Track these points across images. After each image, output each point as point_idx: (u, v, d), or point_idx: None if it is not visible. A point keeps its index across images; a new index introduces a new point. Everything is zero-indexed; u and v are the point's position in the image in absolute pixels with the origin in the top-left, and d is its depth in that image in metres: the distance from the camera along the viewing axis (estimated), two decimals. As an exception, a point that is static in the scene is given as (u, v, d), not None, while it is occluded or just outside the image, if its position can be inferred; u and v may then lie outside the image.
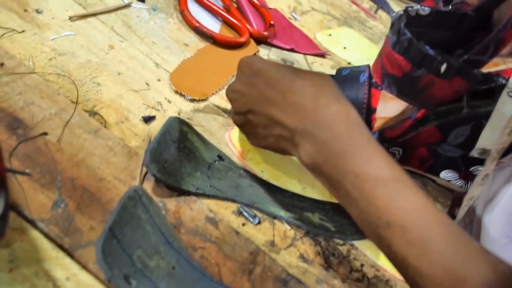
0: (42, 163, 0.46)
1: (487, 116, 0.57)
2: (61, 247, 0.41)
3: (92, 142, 0.50)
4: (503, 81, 0.52)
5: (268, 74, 0.49)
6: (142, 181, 0.49)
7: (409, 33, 0.52)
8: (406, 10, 0.56)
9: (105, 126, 0.52)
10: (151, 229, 0.45)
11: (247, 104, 0.51)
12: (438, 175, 0.68)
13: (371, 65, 0.62)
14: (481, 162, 0.61)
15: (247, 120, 0.52)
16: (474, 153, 0.60)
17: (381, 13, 1.01)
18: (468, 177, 0.67)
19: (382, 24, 0.98)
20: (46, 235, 0.42)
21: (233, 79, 0.65)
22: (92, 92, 0.54)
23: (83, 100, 0.53)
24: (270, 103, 0.48)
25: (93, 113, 0.52)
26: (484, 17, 0.57)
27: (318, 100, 0.46)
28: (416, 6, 0.56)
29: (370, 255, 0.54)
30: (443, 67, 0.51)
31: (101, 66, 0.58)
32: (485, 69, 0.55)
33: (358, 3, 0.98)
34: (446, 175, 0.68)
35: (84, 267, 0.41)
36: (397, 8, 1.05)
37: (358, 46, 0.86)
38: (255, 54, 0.71)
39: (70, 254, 0.41)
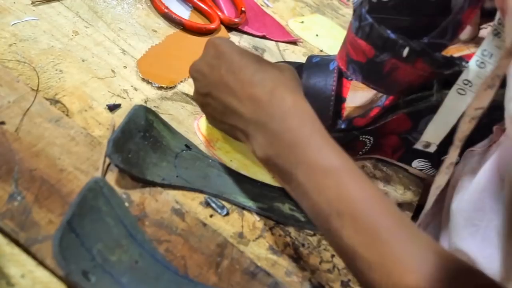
0: (-2, 154, 0.44)
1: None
2: (16, 242, 0.40)
3: (53, 131, 0.48)
4: (466, 65, 0.52)
5: (231, 59, 0.48)
6: (105, 172, 0.47)
7: (370, 18, 0.51)
8: None
9: (67, 115, 0.50)
10: (113, 222, 0.43)
11: (207, 86, 0.50)
12: (410, 164, 0.68)
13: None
14: (443, 149, 0.61)
15: (206, 102, 0.51)
16: (418, 145, 0.60)
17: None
18: (440, 165, 0.67)
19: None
20: (1, 230, 0.40)
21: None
22: (54, 80, 0.52)
23: (44, 87, 0.51)
24: (228, 91, 0.48)
25: (54, 101, 0.50)
26: (444, 2, 0.56)
27: (274, 93, 0.46)
28: None
29: (341, 246, 0.53)
30: (406, 51, 0.50)
31: (65, 53, 0.55)
32: (448, 54, 0.55)
33: (333, -10, 0.97)
34: (418, 164, 0.68)
35: (41, 263, 0.39)
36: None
37: (330, 34, 0.85)
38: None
39: (26, 249, 0.40)
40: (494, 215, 0.51)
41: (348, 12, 0.94)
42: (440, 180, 0.57)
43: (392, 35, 0.51)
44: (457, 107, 0.53)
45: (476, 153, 0.60)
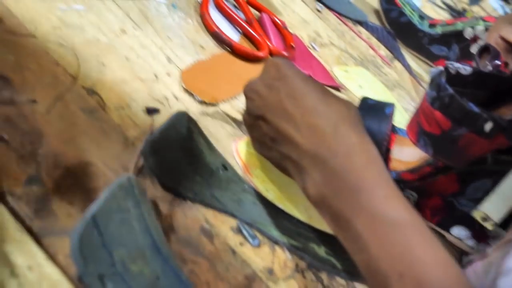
0: (24, 132, 0.39)
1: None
2: (29, 230, 0.34)
3: (86, 122, 0.43)
4: None
5: (294, 84, 0.44)
6: (136, 175, 0.42)
7: (450, 88, 0.48)
8: (446, 68, 0.53)
9: (103, 109, 0.46)
10: (139, 228, 0.38)
11: (261, 108, 0.45)
12: (448, 230, 0.63)
13: (406, 123, 0.58)
14: (504, 225, 0.56)
15: (256, 124, 0.46)
16: (476, 216, 0.55)
17: (397, 63, 0.98)
18: (481, 237, 0.62)
19: (396, 73, 0.94)
20: (13, 212, 0.34)
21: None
22: (95, 71, 0.48)
23: (83, 76, 0.47)
24: (286, 116, 0.43)
25: (92, 92, 0.46)
26: None
27: (338, 128, 0.41)
28: (457, 65, 0.53)
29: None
30: (488, 126, 0.47)
31: (109, 48, 0.52)
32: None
33: (376, 49, 0.95)
34: (458, 231, 0.63)
35: (52, 257, 0.34)
36: (412, 62, 1.02)
37: (373, 88, 0.82)
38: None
39: (38, 240, 0.34)
40: None
41: (390, 72, 0.92)
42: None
43: (475, 108, 0.48)
44: None
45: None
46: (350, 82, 0.79)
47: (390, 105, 0.57)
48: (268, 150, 0.46)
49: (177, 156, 0.45)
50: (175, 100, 0.52)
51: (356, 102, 0.75)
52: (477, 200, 0.56)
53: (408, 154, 0.63)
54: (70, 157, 0.40)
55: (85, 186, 0.39)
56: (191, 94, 0.54)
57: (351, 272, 0.47)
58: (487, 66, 0.54)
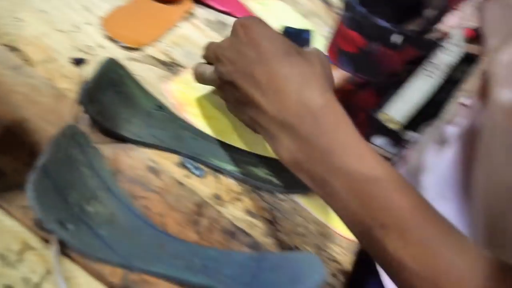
0: (-45, 95, 0.39)
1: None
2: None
3: (13, 79, 0.43)
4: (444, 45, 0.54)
5: (260, 48, 0.43)
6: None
7: (362, 8, 0.52)
8: None
9: (28, 65, 0.45)
10: (89, 172, 0.39)
11: (232, 73, 0.45)
12: (371, 141, 0.68)
13: (325, 46, 0.62)
14: (413, 128, 0.61)
15: (228, 89, 0.46)
16: (381, 118, 0.60)
17: (309, -8, 1.00)
18: (399, 143, 0.68)
19: (310, 1, 0.97)
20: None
21: (168, 34, 0.61)
22: (12, 27, 0.48)
23: (1, 34, 0.46)
24: (254, 82, 0.43)
25: (13, 49, 0.46)
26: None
27: (303, 92, 0.41)
28: None
29: (313, 211, 0.52)
30: (398, 38, 0.52)
31: (22, 1, 0.51)
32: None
33: (287, -21, 0.97)
34: (379, 141, 0.68)
35: (7, 211, 0.35)
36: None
37: (289, 18, 0.84)
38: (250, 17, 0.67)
39: (-9, 196, 0.35)
40: (464, 189, 0.52)
41: (305, 3, 0.94)
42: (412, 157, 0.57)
43: (386, 24, 0.52)
44: (424, 87, 0.54)
45: (434, 129, 0.61)
46: (267, 14, 0.81)
47: (308, 31, 0.60)
48: (240, 114, 0.47)
49: (113, 102, 0.46)
50: (100, 48, 0.52)
51: (275, 32, 0.77)
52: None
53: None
54: (5, 116, 0.40)
55: (26, 141, 0.40)
56: (114, 41, 0.54)
57: (289, 186, 0.51)
58: None
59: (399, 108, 0.58)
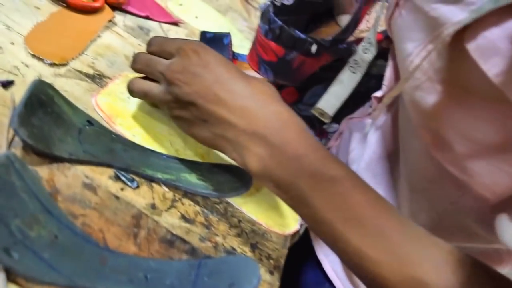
0: None
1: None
2: None
3: None
4: (356, 48, 0.59)
5: (217, 70, 0.48)
6: (8, 149, 0.45)
7: (279, 20, 0.56)
8: (272, 2, 0.61)
9: (-45, 91, 0.46)
10: (28, 197, 0.41)
11: (190, 94, 0.48)
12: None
13: (246, 54, 0.66)
14: (334, 119, 0.67)
15: (186, 109, 0.49)
16: (315, 112, 0.65)
17: (226, -13, 1.03)
18: (323, 134, 0.73)
19: (228, -3, 1.00)
20: None
21: (91, 45, 0.62)
22: None
23: None
24: (218, 101, 0.47)
25: None
26: (328, 3, 0.66)
27: (267, 106, 0.47)
28: None
29: (246, 211, 0.56)
30: (314, 48, 0.56)
31: None
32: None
33: (204, -24, 0.99)
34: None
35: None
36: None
37: (208, 16, 0.87)
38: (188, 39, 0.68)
39: None
40: (390, 177, 0.58)
41: (221, -3, 0.97)
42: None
43: (302, 35, 0.56)
44: (350, 82, 0.59)
45: (356, 121, 0.66)
46: (186, 14, 0.83)
47: (227, 35, 0.64)
48: (199, 131, 0.50)
49: (44, 123, 0.47)
50: (26, 67, 0.53)
51: (197, 34, 0.80)
52: (313, 104, 0.66)
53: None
54: None
55: (-37, 171, 0.41)
56: (40, 59, 0.55)
57: (221, 189, 0.55)
58: None
59: (330, 102, 0.63)
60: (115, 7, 0.71)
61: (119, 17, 0.71)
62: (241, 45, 0.84)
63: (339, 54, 0.59)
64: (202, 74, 0.48)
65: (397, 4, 0.50)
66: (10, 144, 0.45)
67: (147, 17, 0.75)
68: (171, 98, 0.50)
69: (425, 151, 0.50)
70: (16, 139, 0.45)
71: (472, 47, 0.39)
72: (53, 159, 0.47)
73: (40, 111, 0.47)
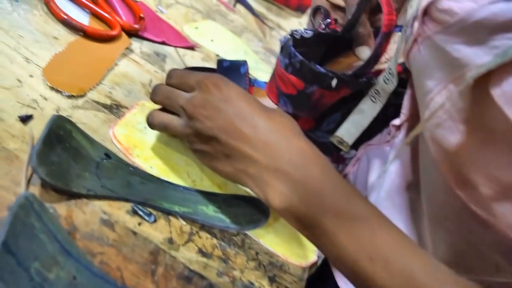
0: None
1: (354, 105, 0.63)
2: None
3: (-37, 147, 0.44)
4: (375, 80, 0.59)
5: (239, 104, 0.48)
6: (27, 187, 0.45)
7: (299, 55, 0.56)
8: (292, 35, 0.61)
9: (-24, 128, 0.46)
10: (47, 238, 0.41)
11: (213, 129, 0.48)
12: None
13: (266, 82, 0.66)
14: (352, 145, 0.66)
15: (208, 143, 0.50)
16: (333, 140, 0.65)
17: (239, 7, 1.03)
18: (339, 160, 0.73)
19: (242, 17, 1.00)
20: None
21: (108, 74, 0.62)
22: (-45, 91, 0.48)
23: None
24: (240, 136, 0.47)
25: (-41, 114, 0.47)
26: (349, 36, 0.65)
27: (291, 141, 0.47)
28: (300, 30, 0.61)
29: (263, 242, 0.56)
30: (334, 82, 0.57)
31: (-38, 61, 0.51)
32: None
33: (218, -3, 0.99)
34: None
35: (-27, 287, 0.37)
36: (252, 2, 1.08)
37: (224, 39, 0.88)
38: (205, 68, 0.68)
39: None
40: (410, 208, 0.58)
41: (235, 18, 0.97)
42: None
43: (322, 70, 0.57)
44: (370, 112, 0.59)
45: (375, 147, 0.66)
46: (202, 38, 0.83)
47: (244, 64, 0.64)
48: (221, 166, 0.50)
49: (63, 159, 0.47)
50: (44, 100, 0.53)
51: (212, 57, 0.80)
52: (331, 131, 0.66)
53: (266, 104, 0.72)
54: (-41, 186, 0.41)
55: (-17, 211, 0.41)
56: (58, 91, 0.55)
57: (238, 222, 0.55)
58: (320, 25, 0.62)
59: (349, 131, 0.63)
60: (132, 34, 0.71)
61: (135, 44, 0.71)
62: (257, 67, 0.84)
63: (358, 87, 0.59)
64: (223, 109, 0.48)
65: (415, 40, 0.50)
66: (29, 181, 0.46)
67: (163, 43, 0.75)
68: (192, 132, 0.51)
69: (447, 187, 0.50)
70: (35, 175, 0.46)
71: (497, 93, 0.38)
72: (71, 195, 0.47)
73: (58, 147, 0.48)
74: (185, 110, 0.50)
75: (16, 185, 0.44)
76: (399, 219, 0.60)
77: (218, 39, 0.86)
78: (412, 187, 0.61)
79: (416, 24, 0.49)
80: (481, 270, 0.55)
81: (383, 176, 0.62)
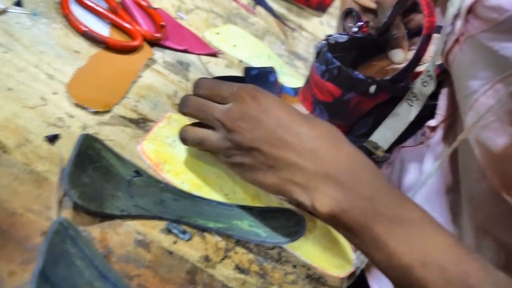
0: None
1: (387, 108, 0.61)
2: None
3: (-7, 172, 0.43)
4: (412, 85, 0.57)
5: (279, 114, 0.48)
6: (59, 210, 0.44)
7: (337, 61, 0.55)
8: (327, 40, 0.59)
9: (5, 151, 0.45)
10: (83, 264, 0.40)
11: (254, 140, 0.47)
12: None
13: (298, 91, 0.65)
14: (388, 149, 0.64)
15: (249, 155, 0.48)
16: (368, 145, 0.63)
17: (260, 9, 1.01)
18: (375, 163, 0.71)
19: (262, 20, 0.98)
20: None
21: (133, 86, 0.61)
22: (-19, 113, 0.47)
23: (-28, 123, 0.46)
24: (284, 145, 0.46)
25: (-13, 138, 0.45)
26: (382, 40, 0.63)
27: (336, 146, 0.46)
28: (335, 35, 0.59)
29: (299, 255, 0.54)
30: (373, 88, 0.56)
31: (-14, 82, 0.50)
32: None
33: (237, 0, 0.97)
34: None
35: (11, 319, 0.35)
36: (273, 4, 1.05)
37: (246, 44, 0.86)
38: (241, 79, 0.66)
39: (-9, 307, 0.35)
40: (450, 213, 0.55)
41: (256, 21, 0.95)
42: None
43: (360, 76, 0.55)
44: (407, 116, 0.57)
45: (409, 150, 0.64)
46: (224, 43, 0.82)
47: (272, 72, 0.62)
48: (264, 176, 0.48)
49: (94, 180, 0.46)
50: (70, 118, 0.52)
51: (236, 64, 0.79)
52: (362, 135, 0.64)
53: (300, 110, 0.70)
54: (-9, 214, 0.40)
55: (17, 238, 0.40)
56: (83, 107, 0.54)
57: (274, 236, 0.53)
58: (352, 28, 0.60)
59: (385, 136, 0.61)
60: (154, 43, 0.70)
61: (158, 54, 0.69)
62: (282, 71, 0.82)
63: (397, 92, 0.57)
64: (263, 119, 0.47)
65: (457, 40, 0.48)
66: (61, 204, 0.44)
67: (185, 51, 0.73)
68: (231, 145, 0.49)
69: (493, 191, 0.47)
70: (66, 198, 0.44)
71: None
72: (104, 217, 0.45)
73: (89, 168, 0.46)
74: (223, 123, 0.49)
75: (48, 209, 0.43)
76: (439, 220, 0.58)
77: (240, 44, 0.84)
78: (452, 191, 0.59)
79: (458, 23, 0.47)
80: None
81: (419, 178, 0.60)
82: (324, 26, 1.10)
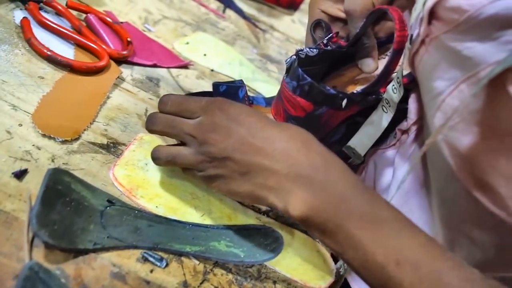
0: None
1: (360, 115, 0.61)
2: None
3: (-41, 216, 0.42)
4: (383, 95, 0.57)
5: (249, 121, 0.48)
6: (30, 251, 0.43)
7: (308, 77, 0.55)
8: (297, 54, 0.58)
9: (-30, 194, 0.44)
10: (57, 307, 0.39)
11: (226, 150, 0.48)
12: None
13: (270, 101, 0.67)
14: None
15: (222, 165, 0.48)
16: (346, 151, 0.63)
17: (229, 12, 1.00)
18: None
19: (232, 23, 0.97)
20: None
21: (101, 109, 0.60)
22: None
23: None
24: (256, 150, 0.47)
25: (-49, 181, 0.44)
26: (351, 52, 0.64)
27: (307, 146, 0.47)
28: (305, 49, 0.59)
29: (279, 270, 0.54)
30: (344, 102, 0.56)
31: None
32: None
33: (206, 4, 0.96)
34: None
35: None
36: (243, 5, 1.04)
37: (217, 51, 0.85)
38: (207, 93, 0.64)
39: None
40: (421, 212, 0.56)
41: (226, 25, 0.94)
42: None
43: (332, 91, 0.55)
44: (382, 122, 0.58)
45: (381, 152, 0.64)
46: (194, 53, 0.81)
47: (241, 87, 0.61)
48: (238, 185, 0.48)
49: (64, 216, 0.45)
50: (38, 150, 0.51)
51: (207, 74, 0.78)
52: (336, 141, 0.64)
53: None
54: (-41, 262, 0.40)
55: (-13, 286, 0.39)
56: (51, 137, 0.53)
57: (252, 255, 0.53)
58: (323, 39, 0.60)
59: (362, 142, 0.62)
60: (121, 61, 0.69)
61: (126, 71, 0.68)
62: (254, 78, 0.82)
63: (368, 104, 0.58)
64: (233, 128, 0.48)
65: (423, 42, 0.48)
66: (31, 243, 0.43)
67: (154, 65, 0.72)
68: (204, 158, 0.49)
69: (462, 190, 0.48)
70: (37, 237, 0.44)
71: None
72: (78, 252, 0.45)
73: (58, 204, 0.46)
74: (195, 137, 0.49)
75: (19, 250, 0.42)
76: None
77: (211, 52, 0.83)
78: (423, 191, 0.59)
79: (422, 26, 0.47)
80: (504, 267, 0.54)
81: (391, 180, 0.60)
82: (296, 25, 1.09)
